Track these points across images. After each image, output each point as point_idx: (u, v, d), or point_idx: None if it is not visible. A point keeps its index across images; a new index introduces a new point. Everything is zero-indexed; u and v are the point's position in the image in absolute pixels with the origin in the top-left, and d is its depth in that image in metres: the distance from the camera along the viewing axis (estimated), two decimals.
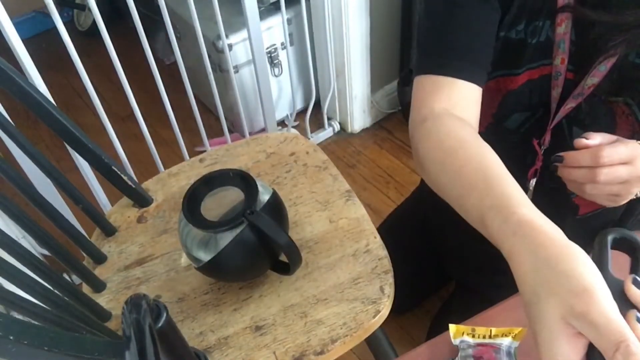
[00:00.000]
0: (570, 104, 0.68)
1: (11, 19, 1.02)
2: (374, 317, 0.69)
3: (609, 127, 0.68)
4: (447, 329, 0.60)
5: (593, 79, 0.65)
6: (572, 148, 0.63)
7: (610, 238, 0.45)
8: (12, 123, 0.74)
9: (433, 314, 1.27)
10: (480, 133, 0.77)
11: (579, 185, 0.61)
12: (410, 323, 1.29)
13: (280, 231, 0.66)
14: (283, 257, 0.71)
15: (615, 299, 0.38)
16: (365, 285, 0.73)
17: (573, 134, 0.71)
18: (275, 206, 0.72)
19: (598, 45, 0.62)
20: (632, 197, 0.61)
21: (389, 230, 1.11)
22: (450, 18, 0.63)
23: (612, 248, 0.45)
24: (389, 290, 0.72)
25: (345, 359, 0.74)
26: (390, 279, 0.73)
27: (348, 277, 0.74)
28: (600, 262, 0.44)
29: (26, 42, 1.05)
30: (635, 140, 0.60)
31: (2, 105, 1.05)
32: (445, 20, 0.64)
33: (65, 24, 1.08)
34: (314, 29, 1.70)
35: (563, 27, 0.64)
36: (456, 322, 0.60)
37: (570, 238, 0.48)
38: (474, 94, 0.64)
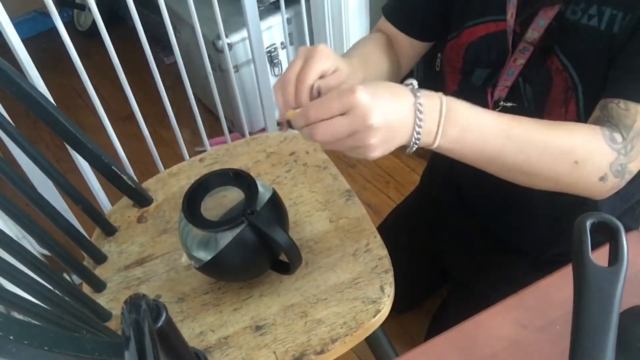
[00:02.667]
0: (520, 60, 0.70)
1: (11, 19, 1.02)
2: (374, 316, 0.69)
3: (546, 83, 0.70)
4: (446, 328, 0.60)
5: (534, 33, 0.68)
6: (530, 107, 0.69)
7: (589, 223, 0.45)
8: (12, 123, 0.74)
9: (433, 314, 1.27)
10: (454, 91, 0.84)
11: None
12: (410, 323, 1.29)
13: (280, 231, 0.66)
14: (283, 257, 0.71)
15: (594, 289, 0.42)
16: (366, 285, 0.73)
17: (526, 91, 0.73)
18: (276, 206, 0.72)
19: None
20: (390, 146, 0.55)
21: (389, 230, 1.11)
22: None
23: (591, 233, 0.45)
24: (389, 289, 0.72)
25: (345, 359, 0.74)
26: (390, 278, 0.73)
27: (348, 276, 0.74)
28: (580, 247, 0.44)
29: (26, 42, 1.05)
30: (368, 84, 0.55)
31: (2, 105, 1.05)
32: None
33: (65, 24, 1.08)
34: (314, 28, 1.70)
35: None
36: (454, 323, 0.60)
37: (542, 213, 0.80)
38: (404, 41, 0.85)
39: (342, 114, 0.53)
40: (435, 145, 0.57)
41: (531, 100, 0.72)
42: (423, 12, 0.83)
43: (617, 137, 0.61)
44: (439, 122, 0.56)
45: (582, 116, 0.69)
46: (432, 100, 0.57)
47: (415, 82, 0.58)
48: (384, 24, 0.86)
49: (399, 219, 1.17)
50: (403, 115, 0.55)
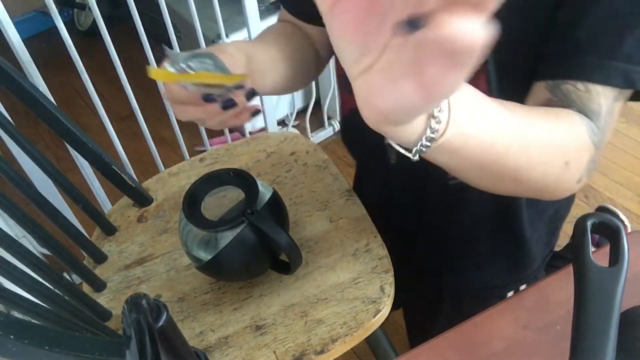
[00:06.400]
0: None
1: (11, 18, 1.02)
2: (374, 316, 0.69)
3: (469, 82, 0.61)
4: (445, 329, 0.60)
5: None
6: None
7: (589, 223, 0.45)
8: (12, 122, 0.74)
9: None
10: None
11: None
12: None
13: (280, 231, 0.66)
14: (283, 257, 0.71)
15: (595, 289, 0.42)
16: (366, 285, 0.73)
17: None
18: (276, 206, 0.72)
19: None
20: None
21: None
22: None
23: (591, 233, 0.45)
24: (389, 289, 0.72)
25: (345, 358, 0.74)
26: (390, 278, 0.73)
27: (348, 276, 0.74)
28: (580, 248, 0.44)
29: (26, 41, 1.05)
30: None
31: (2, 104, 1.05)
32: None
33: (65, 23, 1.08)
34: None
35: None
36: (454, 323, 0.60)
37: (448, 210, 0.74)
38: (309, 29, 0.75)
39: None
40: (445, 137, 0.40)
41: None
42: None
43: (594, 127, 0.50)
44: (448, 106, 0.40)
45: (495, 92, 0.58)
46: None
47: None
48: (284, 13, 0.76)
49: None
50: None
